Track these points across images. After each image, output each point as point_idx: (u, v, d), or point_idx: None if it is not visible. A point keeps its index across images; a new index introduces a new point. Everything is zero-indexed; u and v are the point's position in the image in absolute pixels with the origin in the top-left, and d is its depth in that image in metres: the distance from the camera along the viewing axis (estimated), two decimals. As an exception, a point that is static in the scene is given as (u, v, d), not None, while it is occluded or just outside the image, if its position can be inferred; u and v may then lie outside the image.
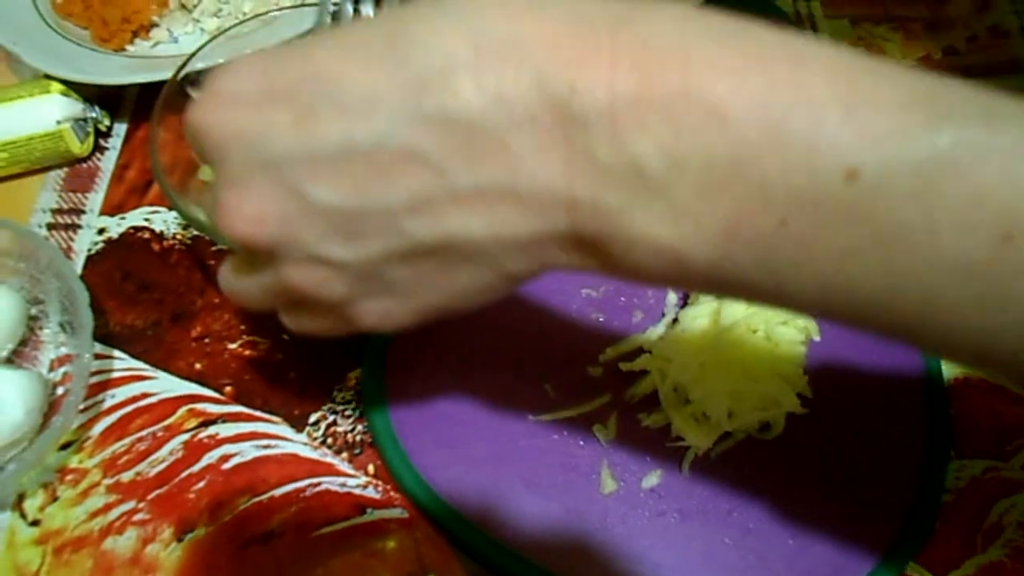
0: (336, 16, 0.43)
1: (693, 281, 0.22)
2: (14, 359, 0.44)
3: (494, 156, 0.21)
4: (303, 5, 0.48)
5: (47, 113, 0.48)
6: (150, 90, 0.50)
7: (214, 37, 0.44)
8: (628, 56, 0.20)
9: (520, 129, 0.21)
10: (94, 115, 0.50)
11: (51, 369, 0.44)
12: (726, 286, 0.22)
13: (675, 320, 0.45)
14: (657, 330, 0.45)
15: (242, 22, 0.45)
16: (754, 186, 0.20)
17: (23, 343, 0.44)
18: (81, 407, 0.43)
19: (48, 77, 0.49)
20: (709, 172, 0.20)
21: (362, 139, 0.21)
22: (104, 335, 0.45)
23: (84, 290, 0.41)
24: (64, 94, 0.49)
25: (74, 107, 0.49)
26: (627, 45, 0.20)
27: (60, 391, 0.43)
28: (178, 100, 0.43)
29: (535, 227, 0.22)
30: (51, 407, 0.42)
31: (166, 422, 0.43)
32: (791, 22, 0.59)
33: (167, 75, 0.48)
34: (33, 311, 0.45)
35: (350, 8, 0.43)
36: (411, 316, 0.27)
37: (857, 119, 0.19)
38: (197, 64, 0.44)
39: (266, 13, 0.46)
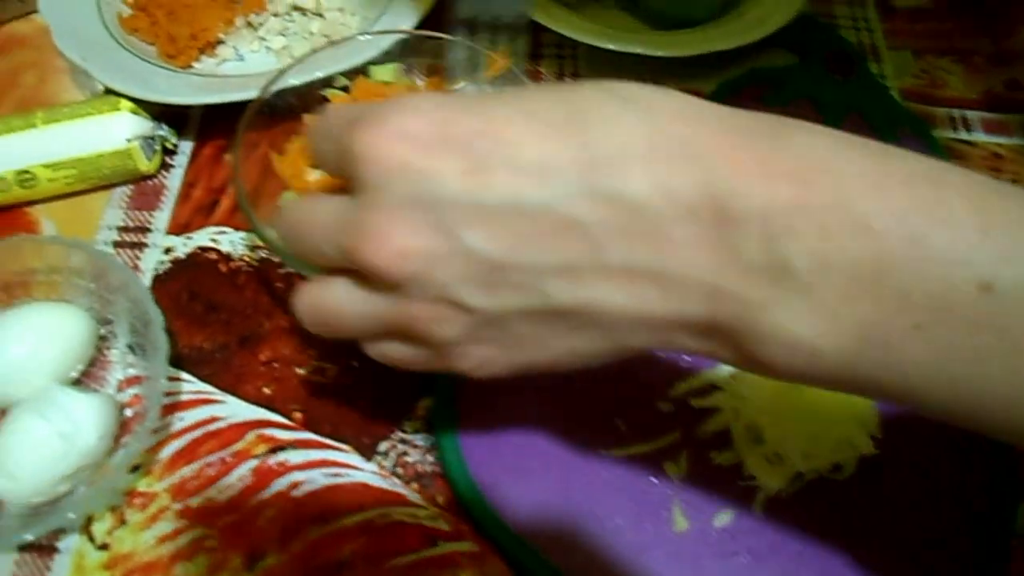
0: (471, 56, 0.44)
1: (822, 377, 0.24)
2: (82, 379, 0.44)
3: (650, 239, 0.23)
4: (383, 33, 0.47)
5: (117, 131, 0.48)
6: (215, 108, 0.50)
7: (296, 63, 0.44)
8: (784, 167, 0.22)
9: (680, 220, 0.23)
10: (162, 133, 0.50)
11: (119, 390, 0.44)
12: (853, 383, 0.23)
13: (748, 357, 0.44)
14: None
15: (316, 51, 0.45)
16: (893, 292, 0.21)
17: (91, 363, 0.44)
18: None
19: (116, 94, 0.49)
20: (852, 276, 0.22)
21: (531, 200, 0.23)
22: (172, 356, 0.44)
23: (159, 314, 0.41)
24: (134, 112, 0.49)
25: (143, 125, 0.49)
26: (783, 157, 0.23)
27: (129, 413, 0.43)
28: (258, 121, 0.43)
29: (673, 309, 0.24)
30: (120, 428, 0.42)
31: (235, 447, 0.43)
32: (856, 53, 0.59)
33: (237, 96, 0.48)
34: (102, 331, 0.45)
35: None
36: (510, 368, 0.28)
37: (991, 237, 0.21)
38: (275, 87, 0.44)
39: (341, 40, 0.46)
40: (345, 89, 0.47)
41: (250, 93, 0.48)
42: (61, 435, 0.39)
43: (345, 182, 0.27)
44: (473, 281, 0.24)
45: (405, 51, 0.47)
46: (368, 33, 0.47)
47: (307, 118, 0.44)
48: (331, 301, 0.29)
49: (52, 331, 0.42)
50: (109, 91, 0.49)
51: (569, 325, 0.25)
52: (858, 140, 0.24)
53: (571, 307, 0.24)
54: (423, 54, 0.47)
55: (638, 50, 0.53)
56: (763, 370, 0.24)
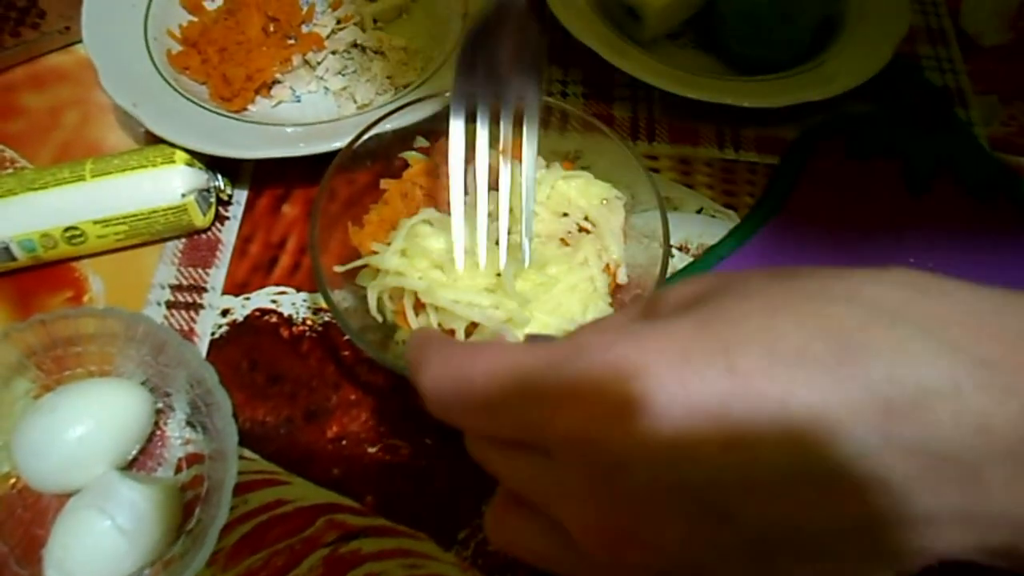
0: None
1: None
2: (139, 457, 0.41)
3: (962, 484, 0.20)
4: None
5: (171, 185, 0.45)
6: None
7: (384, 117, 0.41)
8: None
9: (997, 461, 0.20)
10: (217, 184, 0.47)
11: (178, 469, 0.41)
12: None
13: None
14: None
15: (409, 103, 0.42)
16: None
17: (147, 439, 0.41)
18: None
19: (168, 142, 0.46)
20: None
21: (818, 464, 0.20)
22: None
23: (227, 398, 0.38)
24: (188, 164, 0.45)
25: (199, 178, 0.45)
26: None
27: (189, 495, 0.40)
28: (335, 181, 0.40)
29: (972, 543, 0.21)
30: (182, 513, 0.39)
31: (304, 534, 0.40)
32: (944, 99, 0.56)
33: (301, 151, 0.45)
34: (158, 404, 0.42)
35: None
36: None
37: None
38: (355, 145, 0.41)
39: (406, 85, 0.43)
40: (425, 151, 0.44)
41: (313, 146, 0.45)
42: (122, 532, 0.36)
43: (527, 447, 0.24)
44: (738, 560, 0.21)
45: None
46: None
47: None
48: (534, 545, 0.25)
49: (110, 411, 0.39)
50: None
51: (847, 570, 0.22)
52: None
53: (865, 560, 0.21)
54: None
55: (725, 100, 0.49)
56: None
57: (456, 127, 0.38)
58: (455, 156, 0.38)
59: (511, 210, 0.39)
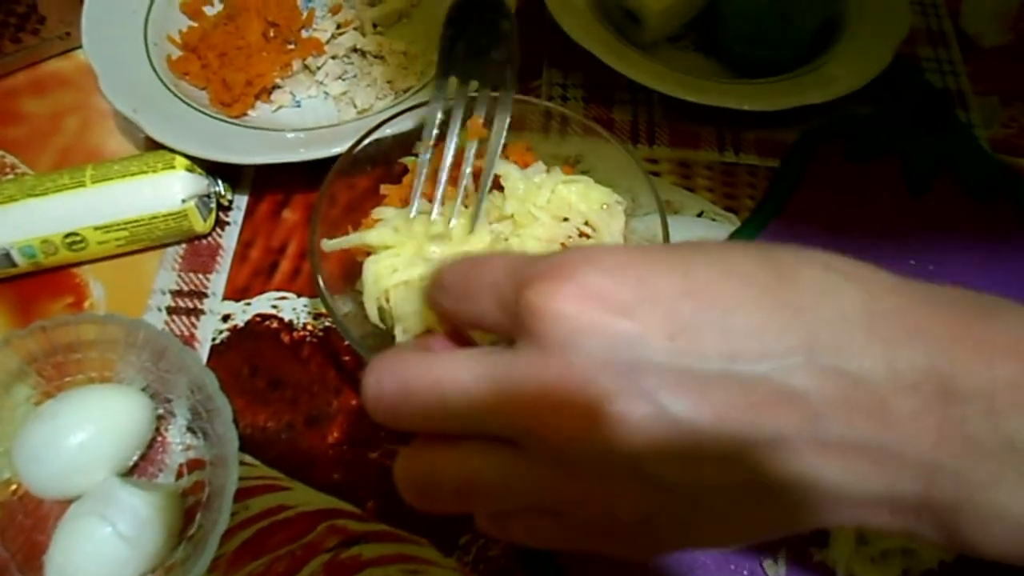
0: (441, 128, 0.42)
1: None
2: (140, 463, 0.41)
3: (871, 414, 0.22)
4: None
5: (172, 191, 0.45)
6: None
7: (384, 122, 0.41)
8: (1002, 343, 0.22)
9: (902, 394, 0.22)
10: (217, 189, 0.47)
11: (179, 475, 0.41)
12: None
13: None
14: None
15: (409, 108, 0.42)
16: None
17: (148, 445, 0.41)
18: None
19: (169, 148, 0.46)
20: None
21: (746, 369, 0.22)
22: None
23: (227, 404, 0.38)
24: (189, 169, 0.45)
25: (199, 183, 0.45)
26: (998, 333, 0.22)
27: (190, 500, 0.40)
28: (335, 186, 0.40)
29: (885, 486, 0.22)
30: (183, 519, 0.39)
31: (305, 539, 0.40)
32: (944, 100, 0.55)
33: (302, 156, 0.45)
34: (159, 410, 0.42)
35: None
36: (680, 547, 0.26)
37: None
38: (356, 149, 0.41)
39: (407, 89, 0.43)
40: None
41: (313, 151, 0.45)
42: (123, 538, 0.36)
43: (509, 338, 0.25)
44: (673, 455, 0.22)
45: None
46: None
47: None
48: (457, 470, 0.25)
49: (111, 417, 0.39)
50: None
51: (766, 502, 0.23)
52: None
53: (777, 482, 0.22)
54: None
55: (725, 103, 0.49)
56: (971, 550, 0.23)
57: (436, 104, 0.41)
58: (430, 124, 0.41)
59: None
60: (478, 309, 0.25)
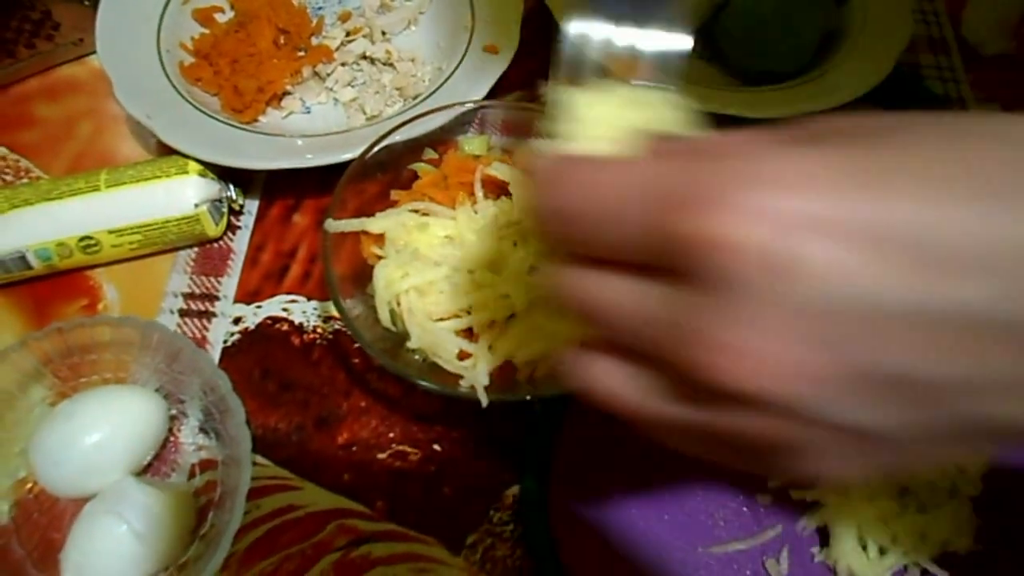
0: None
1: None
2: (153, 463, 0.42)
3: None
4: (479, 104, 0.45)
5: (185, 195, 0.45)
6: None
7: (394, 129, 0.42)
8: None
9: None
10: (229, 194, 0.48)
11: (191, 475, 0.42)
12: None
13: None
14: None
15: (420, 115, 0.42)
16: None
17: (161, 445, 0.42)
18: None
19: (181, 153, 0.46)
20: None
21: (973, 307, 0.18)
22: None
23: (240, 406, 0.39)
24: (201, 175, 0.46)
25: (211, 188, 0.46)
26: None
27: (203, 500, 0.41)
28: (347, 192, 0.41)
29: None
30: (196, 518, 0.40)
31: (315, 538, 0.41)
32: (944, 105, 0.56)
33: (313, 161, 0.46)
34: (172, 411, 0.42)
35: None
36: (861, 475, 0.23)
37: None
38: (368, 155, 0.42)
39: (416, 97, 0.44)
40: (435, 163, 0.45)
41: (323, 157, 0.46)
42: (137, 536, 0.37)
43: (661, 272, 0.21)
44: (873, 402, 0.19)
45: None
46: (467, 102, 0.45)
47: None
48: (605, 281, 0.22)
49: (125, 418, 0.40)
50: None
51: (960, 439, 0.21)
52: None
53: (980, 424, 0.20)
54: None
55: (729, 111, 0.50)
56: None
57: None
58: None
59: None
60: (610, 239, 0.21)
